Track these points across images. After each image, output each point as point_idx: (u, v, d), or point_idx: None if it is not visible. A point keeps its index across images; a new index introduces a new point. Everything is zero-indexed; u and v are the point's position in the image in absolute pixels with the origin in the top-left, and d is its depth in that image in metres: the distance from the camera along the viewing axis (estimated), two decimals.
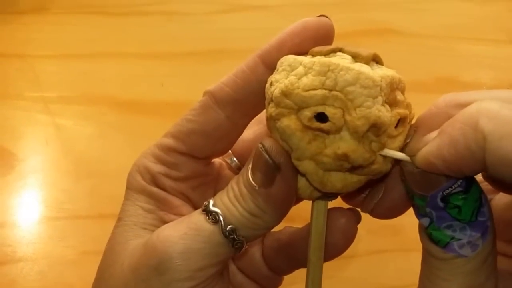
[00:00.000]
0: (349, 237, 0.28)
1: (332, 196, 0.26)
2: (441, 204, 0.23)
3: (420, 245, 0.48)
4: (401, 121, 0.23)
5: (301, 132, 0.22)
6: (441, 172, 0.22)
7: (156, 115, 0.53)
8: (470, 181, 0.23)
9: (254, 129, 0.30)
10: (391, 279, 0.48)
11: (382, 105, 0.22)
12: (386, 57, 0.53)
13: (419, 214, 0.24)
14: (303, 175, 0.24)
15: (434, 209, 0.23)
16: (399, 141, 0.23)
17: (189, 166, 0.28)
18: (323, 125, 0.22)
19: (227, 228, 0.25)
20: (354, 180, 0.24)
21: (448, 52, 0.55)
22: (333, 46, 0.24)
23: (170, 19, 0.56)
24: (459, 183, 0.22)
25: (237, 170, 0.31)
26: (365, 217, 0.49)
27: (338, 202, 0.28)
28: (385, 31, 0.56)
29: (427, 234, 0.24)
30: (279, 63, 0.24)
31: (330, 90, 0.22)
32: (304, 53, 0.25)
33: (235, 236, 0.25)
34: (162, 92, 0.54)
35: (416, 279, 0.47)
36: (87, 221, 0.50)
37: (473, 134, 0.20)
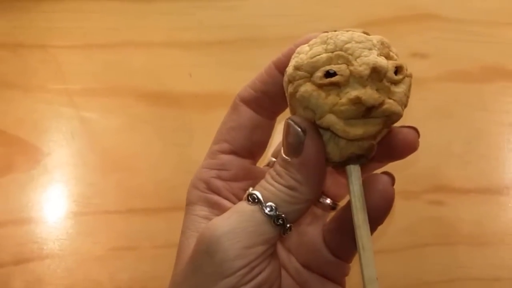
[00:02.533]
0: (388, 198, 0.30)
1: (361, 157, 0.28)
2: None
3: (467, 238, 0.48)
4: (399, 69, 0.28)
5: (317, 91, 0.27)
6: None
7: (185, 107, 0.53)
8: None
9: None
10: (433, 274, 0.48)
11: (378, 55, 0.27)
12: (427, 46, 0.54)
13: None
14: (328, 129, 0.28)
15: None
16: (402, 88, 0.28)
17: (235, 163, 0.32)
18: (333, 79, 0.27)
19: (267, 206, 0.28)
20: (372, 123, 0.27)
21: (493, 39, 0.54)
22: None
23: (197, 5, 0.56)
24: None
25: None
26: (408, 210, 0.49)
27: None
28: (425, 17, 0.54)
29: None
30: (291, 58, 0.29)
31: (332, 52, 0.27)
32: None
33: (275, 213, 0.28)
34: (191, 83, 0.54)
35: (460, 274, 0.48)
36: (116, 216, 0.51)
37: None
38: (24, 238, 0.50)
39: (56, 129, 0.53)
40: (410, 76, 0.28)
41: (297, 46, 0.29)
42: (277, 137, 0.32)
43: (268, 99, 0.31)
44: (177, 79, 0.54)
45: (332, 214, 0.34)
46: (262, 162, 0.34)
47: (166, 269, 0.48)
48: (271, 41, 0.54)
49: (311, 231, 0.33)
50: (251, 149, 0.32)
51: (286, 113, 0.30)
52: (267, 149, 0.34)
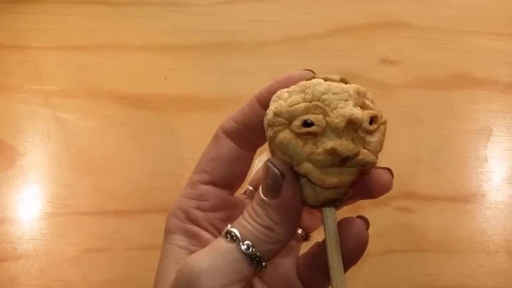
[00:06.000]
0: (362, 242, 0.31)
1: (336, 200, 0.30)
2: None
3: (435, 246, 0.47)
4: (374, 119, 0.29)
5: (295, 139, 0.29)
6: None
7: (160, 110, 0.54)
8: None
9: None
10: (401, 281, 0.49)
11: (354, 106, 0.28)
12: (397, 52, 0.55)
13: None
14: (305, 176, 0.29)
15: None
16: (377, 137, 0.29)
17: (214, 194, 0.33)
18: (310, 129, 0.28)
19: (244, 244, 0.29)
20: (347, 172, 0.29)
21: (462, 47, 0.55)
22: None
23: (173, 10, 0.57)
24: None
25: None
26: (376, 216, 0.50)
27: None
28: (395, 24, 0.56)
29: None
30: (271, 100, 0.31)
31: (310, 101, 0.28)
32: None
33: (252, 252, 0.29)
34: (166, 86, 0.55)
35: (429, 281, 0.49)
36: (89, 218, 0.52)
37: None
38: None
39: (32, 130, 0.54)
40: (385, 123, 0.30)
41: (279, 82, 0.31)
42: (256, 165, 0.34)
43: (249, 131, 0.32)
44: (153, 82, 0.55)
45: (305, 244, 0.35)
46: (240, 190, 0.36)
47: (139, 271, 0.50)
48: (245, 46, 0.55)
49: (285, 263, 0.34)
50: (230, 180, 0.34)
51: (266, 145, 0.31)
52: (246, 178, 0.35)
